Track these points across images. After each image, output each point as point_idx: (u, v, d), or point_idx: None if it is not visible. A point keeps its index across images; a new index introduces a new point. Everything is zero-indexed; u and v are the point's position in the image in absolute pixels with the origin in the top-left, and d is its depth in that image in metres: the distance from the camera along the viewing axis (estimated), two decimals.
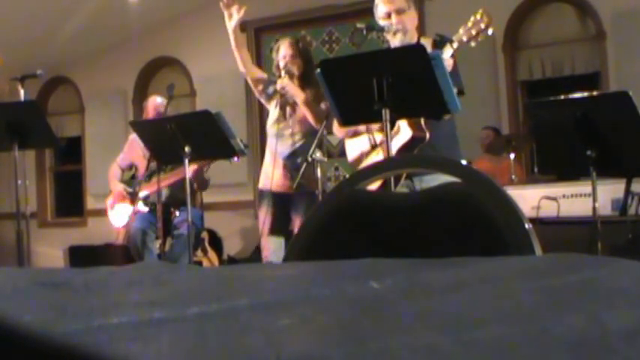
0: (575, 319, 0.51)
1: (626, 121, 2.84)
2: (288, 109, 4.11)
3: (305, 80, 4.10)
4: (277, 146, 4.06)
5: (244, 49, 4.15)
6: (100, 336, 0.54)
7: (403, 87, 2.72)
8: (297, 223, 4.07)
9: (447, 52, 2.92)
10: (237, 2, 3.91)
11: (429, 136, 3.01)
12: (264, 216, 4.13)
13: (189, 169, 4.61)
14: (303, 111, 4.02)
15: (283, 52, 4.11)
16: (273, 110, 4.18)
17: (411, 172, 2.87)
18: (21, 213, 4.02)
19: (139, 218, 4.78)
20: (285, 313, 0.61)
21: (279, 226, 4.12)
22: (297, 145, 4.08)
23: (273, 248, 4.10)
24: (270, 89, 4.18)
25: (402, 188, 2.99)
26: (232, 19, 3.92)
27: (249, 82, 4.27)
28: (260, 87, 4.22)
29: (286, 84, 4.01)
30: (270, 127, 4.16)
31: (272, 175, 4.08)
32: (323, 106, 3.99)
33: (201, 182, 4.83)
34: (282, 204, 4.11)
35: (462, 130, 3.27)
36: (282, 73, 4.05)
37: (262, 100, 4.29)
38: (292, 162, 4.06)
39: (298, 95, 4.01)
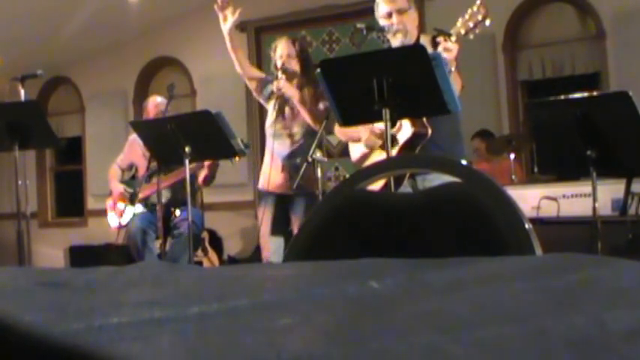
0: (576, 319, 0.51)
1: (626, 121, 2.83)
2: (286, 109, 4.09)
3: (303, 80, 4.09)
4: (276, 147, 4.05)
5: (240, 51, 4.14)
6: (100, 336, 0.54)
7: (403, 87, 2.72)
8: (296, 224, 4.07)
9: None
10: (231, 4, 3.91)
11: (431, 133, 3.01)
12: (263, 216, 4.12)
13: (206, 162, 4.58)
14: (300, 111, 4.02)
15: (280, 51, 4.10)
16: (271, 110, 4.17)
17: (414, 172, 2.86)
18: (21, 213, 4.03)
19: (139, 218, 4.78)
20: (285, 313, 0.62)
21: (279, 227, 4.12)
22: (296, 145, 4.07)
23: (273, 248, 4.10)
24: (268, 89, 4.17)
25: (405, 188, 2.99)
26: (227, 21, 3.92)
27: (247, 83, 4.27)
28: (258, 87, 4.22)
29: (282, 85, 4.00)
30: (269, 127, 4.15)
31: (269, 176, 4.08)
32: (321, 105, 3.98)
33: (211, 176, 4.78)
34: (281, 204, 4.11)
35: (463, 130, 3.26)
36: (280, 73, 4.04)
37: (261, 101, 4.29)
38: (291, 162, 4.06)
39: (295, 96, 4.00)
